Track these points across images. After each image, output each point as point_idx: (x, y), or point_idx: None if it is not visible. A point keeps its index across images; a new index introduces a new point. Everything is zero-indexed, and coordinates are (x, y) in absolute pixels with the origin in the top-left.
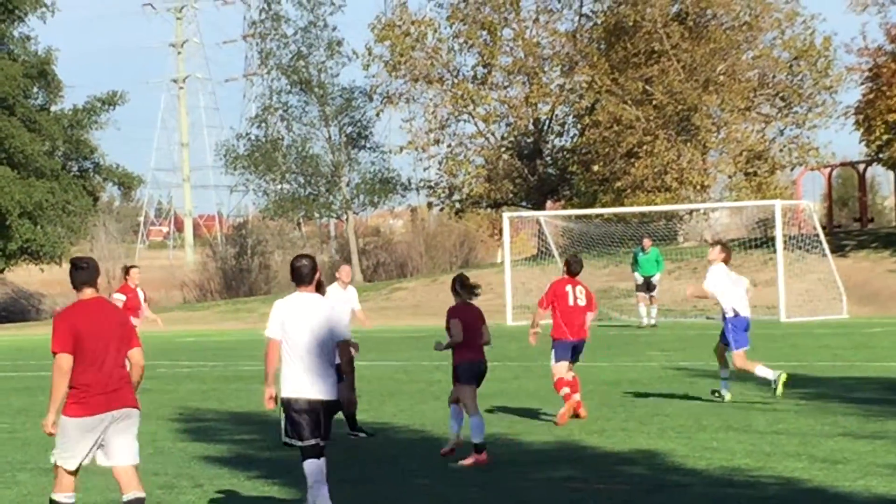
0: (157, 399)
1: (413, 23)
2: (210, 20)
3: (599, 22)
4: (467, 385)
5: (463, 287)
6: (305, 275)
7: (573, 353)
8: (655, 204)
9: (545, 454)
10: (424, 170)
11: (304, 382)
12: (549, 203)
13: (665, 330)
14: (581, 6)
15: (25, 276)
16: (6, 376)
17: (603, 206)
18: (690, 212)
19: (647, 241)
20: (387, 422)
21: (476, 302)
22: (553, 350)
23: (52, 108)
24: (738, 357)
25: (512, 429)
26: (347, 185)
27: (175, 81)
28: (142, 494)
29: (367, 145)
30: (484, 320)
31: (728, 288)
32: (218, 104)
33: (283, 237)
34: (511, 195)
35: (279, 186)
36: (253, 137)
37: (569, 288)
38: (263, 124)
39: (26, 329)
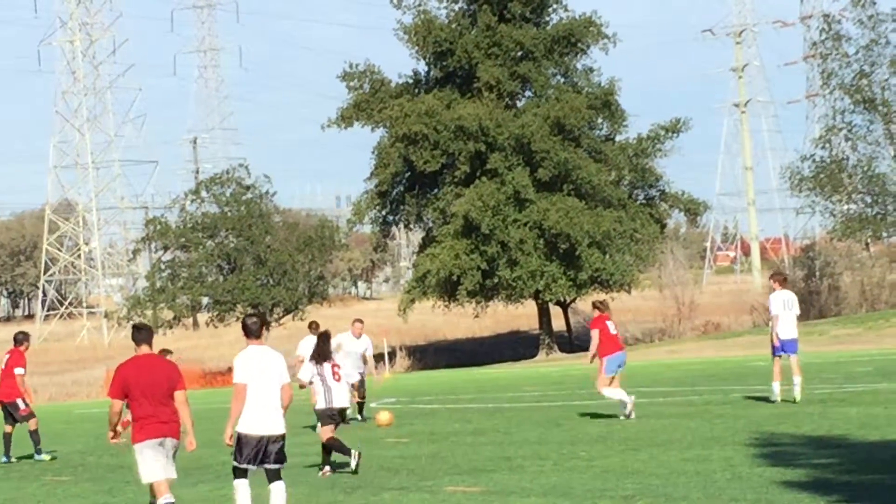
0: (731, 424)
1: None
2: (769, 43)
3: None
4: None
5: None
6: (255, 329)
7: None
8: None
9: None
10: None
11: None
12: None
13: None
14: None
15: None
16: (580, 405)
17: None
18: None
19: None
20: None
21: None
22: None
23: (617, 138)
24: None
25: None
26: None
27: (737, 106)
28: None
29: None
30: None
31: None
32: (780, 127)
33: (852, 258)
34: None
35: (845, 207)
36: (818, 159)
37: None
38: (828, 145)
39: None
